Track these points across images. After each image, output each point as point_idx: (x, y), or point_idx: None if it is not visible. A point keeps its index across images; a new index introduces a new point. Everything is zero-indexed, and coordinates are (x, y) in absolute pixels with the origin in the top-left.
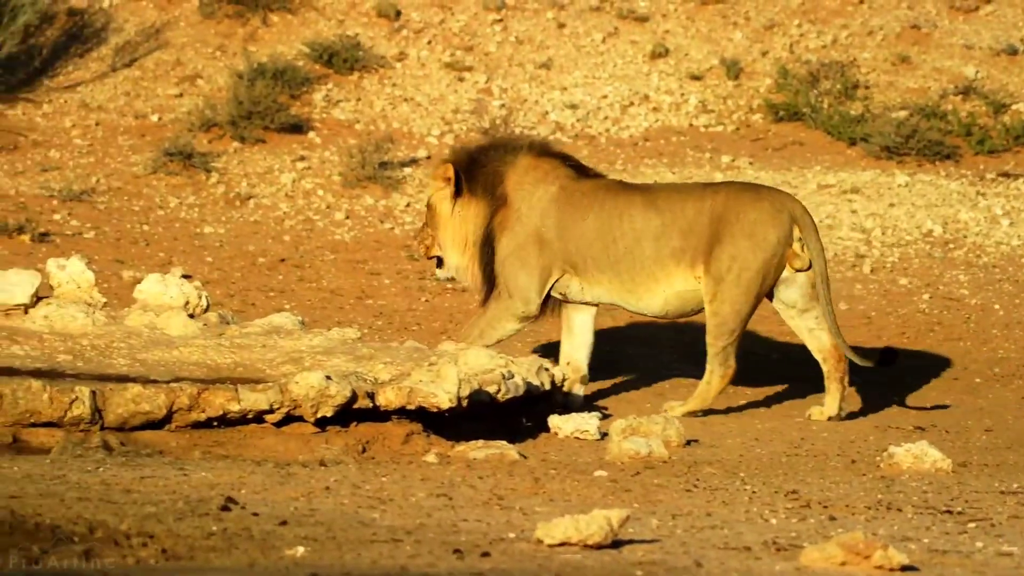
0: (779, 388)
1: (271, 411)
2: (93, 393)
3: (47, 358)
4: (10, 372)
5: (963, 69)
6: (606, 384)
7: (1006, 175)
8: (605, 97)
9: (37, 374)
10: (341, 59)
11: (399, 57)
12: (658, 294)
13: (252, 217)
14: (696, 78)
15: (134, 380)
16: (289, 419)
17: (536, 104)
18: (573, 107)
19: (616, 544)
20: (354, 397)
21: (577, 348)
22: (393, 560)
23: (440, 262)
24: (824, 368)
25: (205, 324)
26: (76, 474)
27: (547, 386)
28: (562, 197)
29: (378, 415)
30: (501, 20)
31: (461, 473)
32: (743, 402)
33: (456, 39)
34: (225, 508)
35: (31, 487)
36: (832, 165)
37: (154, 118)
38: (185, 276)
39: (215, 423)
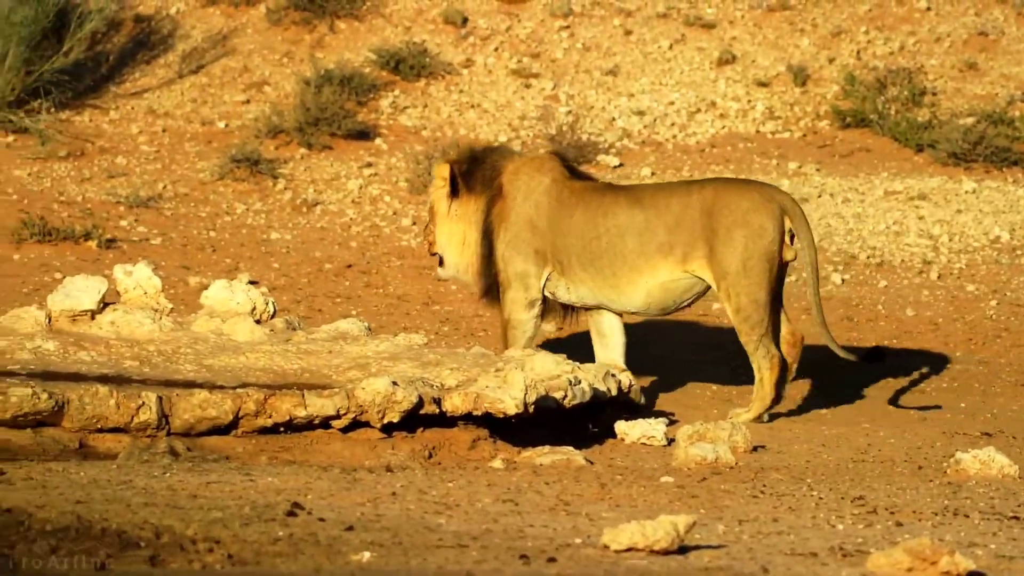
0: (847, 393)
1: (337, 417)
2: (160, 399)
3: (114, 364)
4: (77, 378)
5: None
6: (673, 390)
7: None
8: (672, 104)
9: (104, 380)
10: (408, 66)
11: (466, 64)
12: (641, 287)
13: (319, 223)
14: (763, 85)
15: (200, 386)
16: (355, 425)
17: (603, 111)
18: (640, 114)
19: (682, 550)
20: (420, 403)
21: (611, 350)
22: (459, 565)
23: (442, 260)
24: (781, 349)
25: (272, 330)
26: (143, 479)
27: (613, 392)
28: (553, 190)
29: (444, 421)
30: (568, 27)
31: (527, 479)
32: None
33: (523, 46)
34: (291, 513)
35: (98, 492)
36: (899, 172)
37: (221, 124)
38: (252, 282)
39: (282, 429)
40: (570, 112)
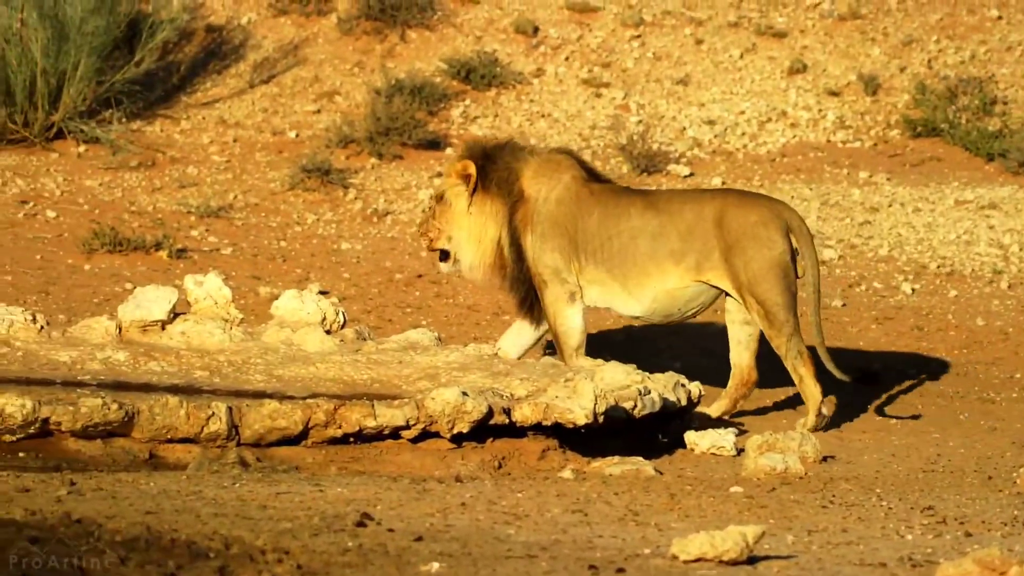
0: (917, 404)
1: (407, 427)
2: (230, 409)
3: (184, 374)
4: (147, 388)
5: None
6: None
7: None
8: (743, 113)
9: (174, 390)
10: (479, 75)
11: (537, 73)
12: (648, 290)
13: (389, 233)
14: (834, 94)
15: (271, 396)
16: (425, 435)
17: (673, 120)
18: (710, 123)
19: (751, 560)
20: (490, 413)
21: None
22: None
23: (444, 255)
24: (731, 382)
25: (342, 340)
26: (212, 490)
27: (683, 402)
28: (573, 188)
29: (514, 431)
30: (639, 36)
31: (597, 489)
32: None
33: (594, 55)
34: (361, 524)
35: (167, 503)
36: (970, 181)
37: (292, 134)
38: (322, 292)
39: (351, 439)
40: (640, 122)
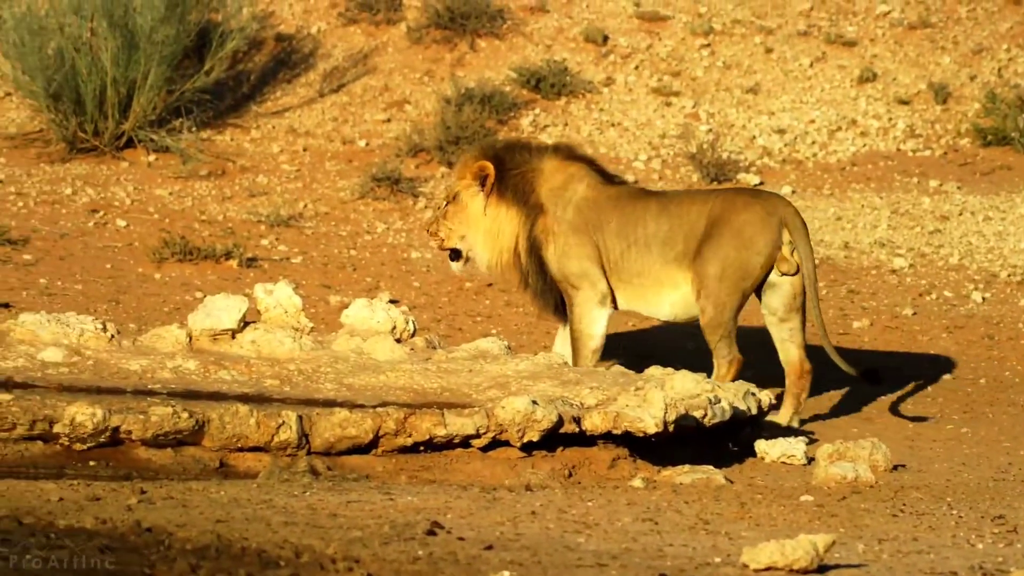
0: (988, 412)
1: (477, 436)
2: (300, 418)
3: (254, 383)
4: (217, 397)
5: None
6: (813, 409)
7: None
8: (812, 122)
9: (244, 399)
10: (548, 84)
11: (606, 82)
12: (665, 298)
13: None
14: (904, 103)
15: (341, 405)
16: (495, 444)
17: (743, 129)
18: (780, 132)
19: (822, 569)
20: (560, 422)
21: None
22: None
23: (456, 255)
24: (787, 380)
25: (412, 349)
26: (282, 498)
27: (753, 411)
28: (591, 197)
29: (584, 440)
30: (708, 45)
31: (667, 498)
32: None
33: (663, 64)
34: (431, 532)
35: (238, 511)
36: None
37: (361, 143)
38: (392, 301)
39: (421, 448)
40: (710, 130)
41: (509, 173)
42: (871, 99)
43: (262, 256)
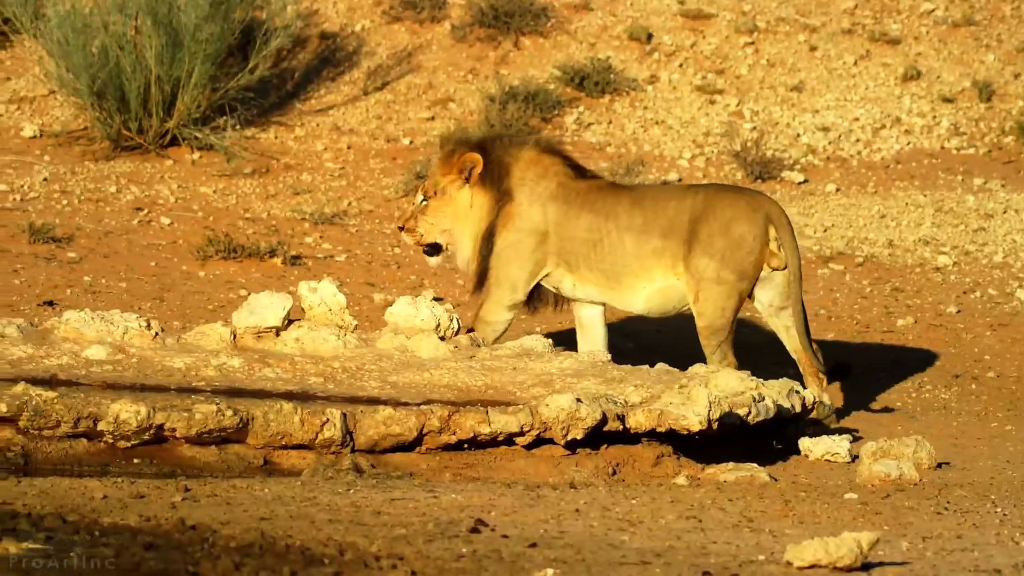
0: None
1: (521, 433)
2: (344, 415)
3: (298, 381)
4: (262, 395)
5: None
6: (857, 406)
7: None
8: (857, 120)
9: (288, 396)
10: (592, 82)
11: (650, 80)
12: (640, 291)
13: None
14: (948, 100)
15: (385, 403)
16: (539, 441)
17: (787, 127)
18: (824, 130)
19: (866, 567)
20: (604, 419)
21: (592, 343)
22: None
23: (435, 249)
24: (800, 366)
25: (456, 347)
26: (327, 496)
27: (797, 408)
28: (560, 194)
29: (628, 437)
30: (753, 43)
31: (711, 495)
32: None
33: (707, 62)
34: (475, 530)
35: (282, 509)
36: None
37: (405, 141)
38: (436, 299)
39: (466, 445)
40: (755, 128)
41: (491, 163)
42: (915, 97)
43: (306, 254)
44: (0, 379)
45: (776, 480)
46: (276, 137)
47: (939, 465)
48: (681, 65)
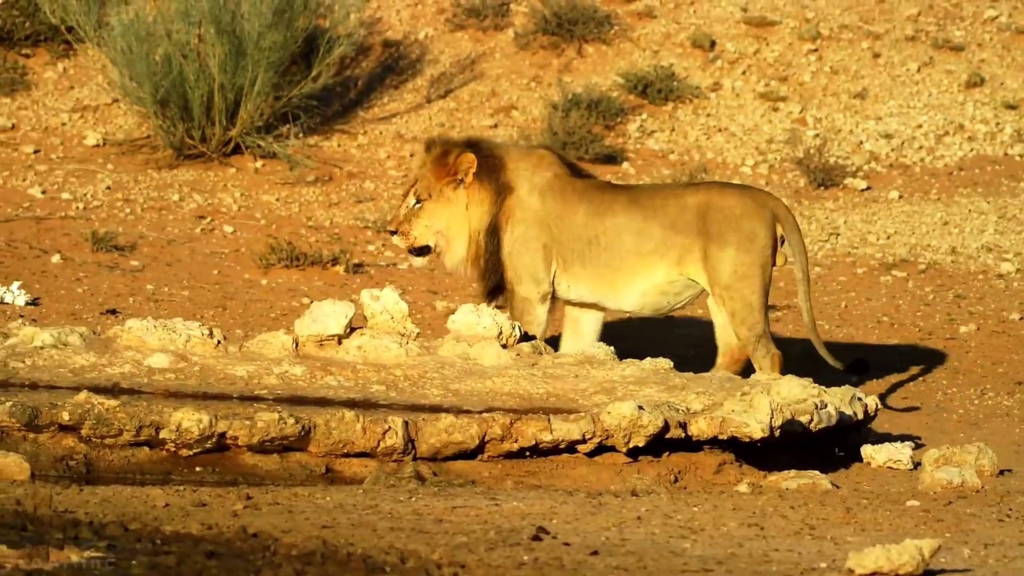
0: None
1: (583, 441)
2: (406, 423)
3: (360, 388)
4: (324, 403)
5: None
6: (920, 414)
7: None
8: (920, 127)
9: (350, 405)
10: (655, 89)
11: (714, 87)
12: (636, 287)
13: None
14: (1011, 107)
15: (447, 410)
16: (601, 449)
17: (850, 134)
18: (887, 137)
19: (927, 574)
20: (666, 427)
21: (581, 344)
22: None
23: (422, 251)
24: (720, 359)
25: (518, 354)
26: (388, 504)
27: (860, 416)
28: (557, 186)
29: (690, 445)
30: (816, 50)
31: (773, 503)
32: None
33: (771, 69)
34: (536, 538)
35: (343, 517)
36: None
37: None
38: (499, 307)
39: (527, 453)
40: (817, 135)
41: (483, 161)
42: (978, 104)
43: (368, 262)
44: (63, 388)
45: (838, 487)
46: (339, 145)
47: (1001, 472)
48: (744, 72)
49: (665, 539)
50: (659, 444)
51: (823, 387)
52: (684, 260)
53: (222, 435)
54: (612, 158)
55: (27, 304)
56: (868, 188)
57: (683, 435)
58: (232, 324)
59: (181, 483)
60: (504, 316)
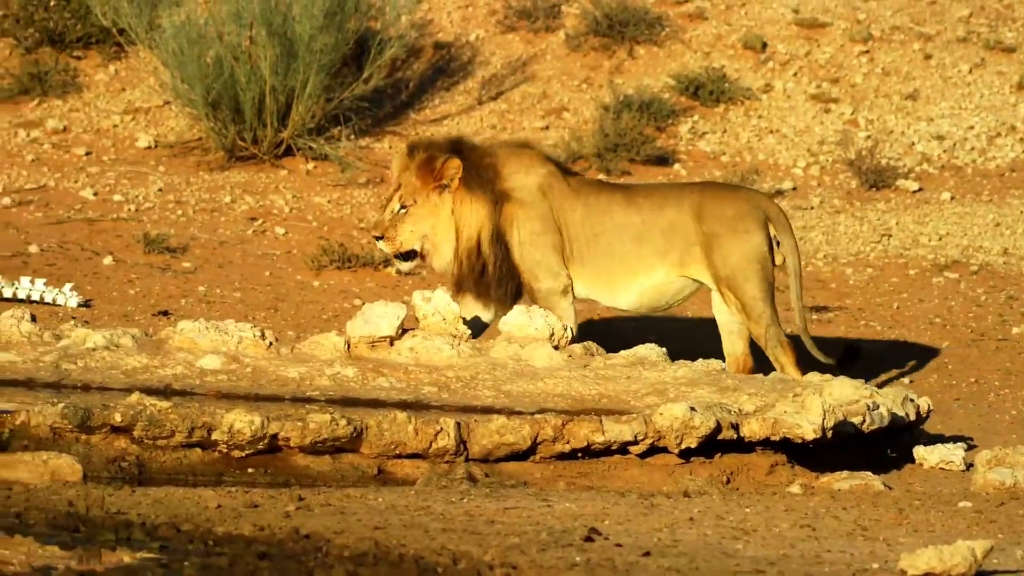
0: None
1: (635, 442)
2: (458, 425)
3: (412, 390)
4: (376, 404)
5: None
6: (973, 415)
7: None
8: (971, 128)
9: (402, 406)
10: (707, 91)
11: (765, 89)
12: (634, 287)
13: None
14: None
15: (499, 412)
16: (653, 450)
17: (902, 135)
18: (939, 138)
19: (980, 575)
20: (718, 428)
21: None
22: None
23: (408, 256)
24: (728, 369)
25: (570, 356)
26: (440, 505)
27: (912, 417)
28: (554, 184)
29: (742, 446)
30: (867, 51)
31: (825, 504)
32: None
33: (822, 71)
34: (588, 539)
35: (395, 518)
36: None
37: None
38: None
39: (579, 454)
40: (869, 137)
41: (471, 165)
42: None
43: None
44: (115, 389)
45: (890, 488)
46: (390, 147)
47: None
48: (796, 74)
49: (717, 540)
50: (711, 445)
51: (875, 388)
52: (685, 261)
53: (274, 436)
54: (664, 160)
55: (79, 306)
56: (920, 189)
57: (735, 436)
58: (284, 326)
59: (233, 484)
60: (555, 318)
